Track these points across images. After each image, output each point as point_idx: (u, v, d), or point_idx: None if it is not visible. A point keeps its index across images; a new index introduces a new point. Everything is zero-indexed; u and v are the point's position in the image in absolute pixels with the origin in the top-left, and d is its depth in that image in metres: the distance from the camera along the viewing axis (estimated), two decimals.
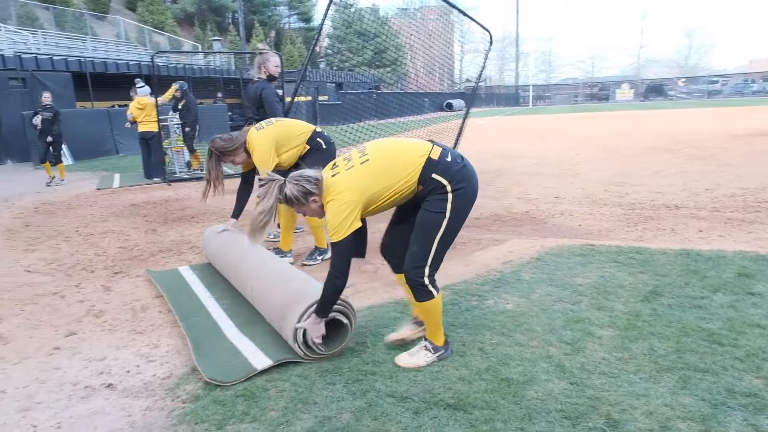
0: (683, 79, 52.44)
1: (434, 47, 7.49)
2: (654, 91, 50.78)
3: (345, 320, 2.73)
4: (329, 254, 3.71)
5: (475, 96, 8.50)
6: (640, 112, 29.60)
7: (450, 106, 34.13)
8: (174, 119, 10.28)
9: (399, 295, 3.54)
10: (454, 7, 6.53)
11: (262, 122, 4.04)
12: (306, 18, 51.82)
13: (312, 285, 2.90)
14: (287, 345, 2.75)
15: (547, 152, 12.17)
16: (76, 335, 3.21)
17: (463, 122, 7.06)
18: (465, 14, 6.86)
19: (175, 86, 10.37)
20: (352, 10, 6.70)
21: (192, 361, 2.74)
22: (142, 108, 9.75)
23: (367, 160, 2.46)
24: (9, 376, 2.72)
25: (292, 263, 4.38)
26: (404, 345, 2.79)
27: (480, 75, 7.55)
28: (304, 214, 2.63)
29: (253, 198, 3.47)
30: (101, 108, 16.43)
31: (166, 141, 10.16)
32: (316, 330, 2.60)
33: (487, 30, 7.00)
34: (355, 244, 2.46)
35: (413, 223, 2.54)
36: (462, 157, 2.53)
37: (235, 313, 3.30)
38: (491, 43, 7.10)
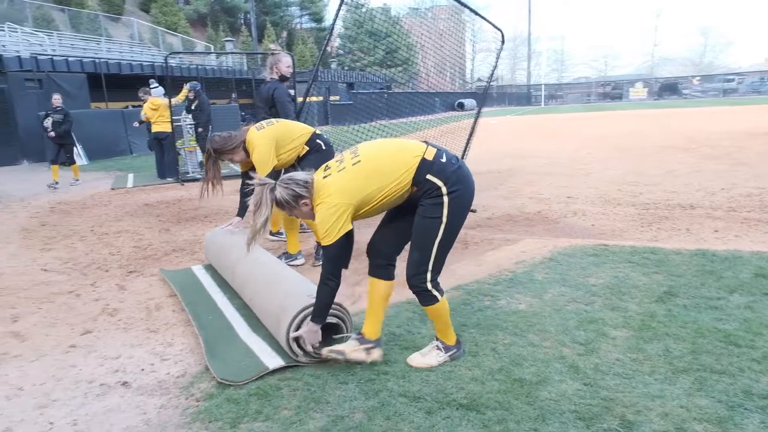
0: (698, 78, 51.75)
1: (445, 47, 7.46)
2: (668, 89, 50.22)
3: (341, 324, 2.73)
4: None
5: (487, 95, 8.45)
6: (654, 111, 29.32)
7: (461, 106, 34.04)
8: (187, 119, 10.37)
9: (411, 294, 3.52)
10: (465, 6, 6.50)
11: (262, 122, 4.03)
12: (317, 18, 51.98)
13: (303, 287, 2.89)
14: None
15: (559, 152, 12.09)
16: (91, 333, 3.25)
17: (475, 122, 7.03)
18: (476, 13, 6.83)
19: (186, 87, 10.46)
20: (364, 10, 6.70)
21: (205, 359, 2.76)
22: (156, 108, 9.83)
23: (359, 161, 2.42)
24: (26, 374, 2.76)
25: (302, 264, 4.39)
26: (415, 346, 2.79)
27: (492, 74, 7.52)
28: (297, 217, 2.59)
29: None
30: (115, 109, 16.63)
31: (179, 141, 10.24)
32: (313, 337, 2.58)
33: (498, 29, 6.96)
34: (346, 248, 2.43)
35: (405, 223, 2.51)
36: (457, 159, 2.49)
37: (247, 313, 3.31)
38: (503, 42, 7.06)
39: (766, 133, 13.53)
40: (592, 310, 3.18)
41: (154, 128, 9.95)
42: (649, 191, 7.04)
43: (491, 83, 7.69)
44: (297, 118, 5.04)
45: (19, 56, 14.86)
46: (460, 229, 2.50)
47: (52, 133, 9.45)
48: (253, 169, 3.99)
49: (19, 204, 8.15)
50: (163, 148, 10.13)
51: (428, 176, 2.38)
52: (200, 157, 10.57)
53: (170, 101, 9.84)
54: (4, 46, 17.96)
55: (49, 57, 16.35)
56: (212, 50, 33.97)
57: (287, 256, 4.41)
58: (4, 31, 19.53)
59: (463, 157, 6.93)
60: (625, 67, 74.01)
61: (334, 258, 2.42)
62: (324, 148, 4.12)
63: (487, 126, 20.93)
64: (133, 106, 14.84)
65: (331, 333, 2.74)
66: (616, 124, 20.09)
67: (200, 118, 10.37)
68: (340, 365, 2.63)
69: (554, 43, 73.50)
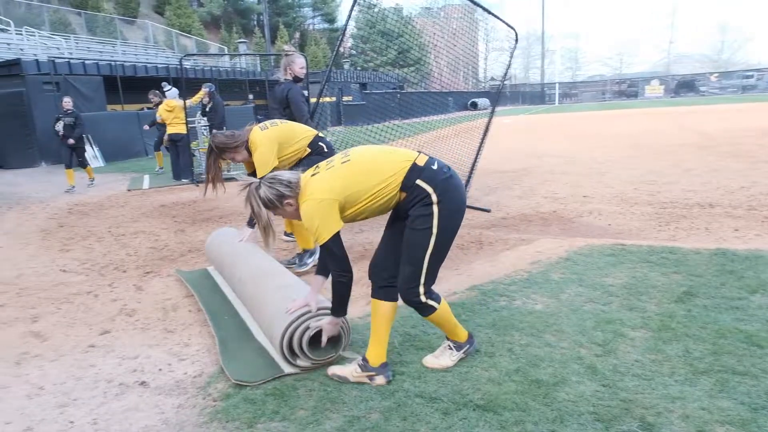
0: (716, 74, 50.92)
1: (458, 46, 7.44)
2: (685, 87, 49.45)
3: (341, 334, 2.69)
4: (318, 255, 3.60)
5: (501, 95, 8.42)
6: (670, 108, 28.96)
7: (475, 105, 33.90)
8: (201, 121, 10.45)
9: None
10: (478, 5, 6.47)
11: (266, 122, 4.03)
12: (330, 19, 52.11)
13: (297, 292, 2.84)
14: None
15: (574, 150, 11.99)
16: (109, 333, 3.29)
17: (489, 121, 7.00)
18: (489, 12, 6.79)
19: (204, 89, 10.53)
20: (376, 10, 6.69)
21: (220, 360, 2.77)
22: (171, 110, 9.91)
23: (349, 160, 2.38)
24: (47, 373, 2.79)
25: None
26: (431, 346, 2.77)
27: (505, 73, 7.48)
28: (283, 217, 2.52)
29: None
30: (131, 111, 16.79)
31: (193, 143, 10.32)
32: (333, 329, 2.56)
33: (512, 28, 6.92)
34: (342, 241, 2.36)
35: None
36: (449, 168, 2.42)
37: None
38: (516, 41, 7.03)
39: None
40: (610, 310, 3.15)
41: (169, 130, 10.03)
42: (666, 190, 6.95)
43: (505, 82, 7.64)
44: (311, 118, 5.06)
45: (36, 60, 15.08)
46: (452, 239, 2.43)
47: (72, 140, 9.35)
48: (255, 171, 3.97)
49: (38, 205, 8.27)
50: (178, 149, 10.21)
51: (418, 181, 2.31)
52: None
53: (185, 103, 9.92)
54: (22, 49, 18.27)
55: (66, 60, 16.55)
56: (226, 52, 34.22)
57: (302, 254, 4.38)
58: (22, 35, 19.87)
59: (477, 157, 6.91)
60: (640, 64, 73.05)
61: (336, 254, 2.34)
62: (326, 150, 4.10)
63: (500, 125, 20.82)
64: (148, 108, 14.93)
65: (330, 341, 2.68)
66: (632, 123, 19.89)
67: (214, 119, 10.44)
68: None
69: (568, 41, 72.83)
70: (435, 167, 2.36)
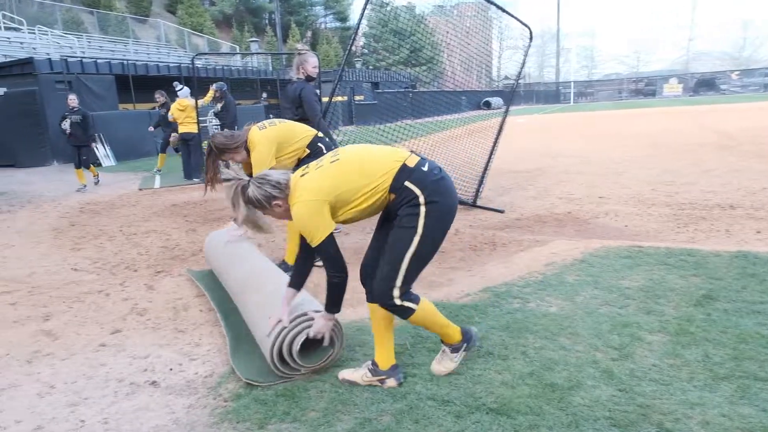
0: (737, 72, 49.94)
1: (471, 44, 7.37)
2: (705, 85, 48.47)
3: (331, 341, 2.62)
4: None
5: (515, 94, 8.32)
6: (689, 107, 28.54)
7: (488, 105, 33.73)
8: (212, 120, 10.46)
9: (438, 296, 3.49)
10: (492, 3, 6.40)
11: (264, 122, 3.98)
12: (342, 18, 52.16)
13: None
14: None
15: (590, 150, 11.86)
16: (120, 333, 3.28)
17: (503, 120, 6.93)
18: (503, 10, 6.73)
19: (213, 88, 10.55)
20: (388, 8, 6.66)
21: (230, 360, 2.76)
22: (183, 109, 9.94)
23: (338, 159, 2.34)
24: (58, 372, 2.79)
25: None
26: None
27: (519, 72, 7.40)
28: (274, 217, 2.44)
29: None
30: (143, 110, 16.89)
31: (205, 142, 10.34)
32: (325, 326, 2.49)
33: (526, 26, 6.85)
34: (336, 241, 2.31)
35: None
36: (440, 169, 2.36)
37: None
38: (531, 39, 6.95)
39: None
40: (626, 313, 3.09)
41: (181, 129, 10.04)
42: (685, 191, 6.83)
43: (519, 81, 7.56)
44: (323, 118, 5.03)
45: (49, 59, 15.18)
46: (438, 244, 2.35)
47: (87, 142, 9.38)
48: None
49: (50, 204, 8.33)
50: (190, 149, 10.23)
51: (406, 183, 2.26)
52: None
53: (197, 102, 9.94)
54: (35, 48, 18.47)
55: (79, 59, 16.66)
56: (237, 51, 34.37)
57: (286, 266, 4.11)
58: (34, 34, 20.11)
59: (490, 157, 6.85)
60: (658, 62, 71.86)
61: (330, 255, 2.29)
62: (325, 151, 4.05)
63: (514, 124, 20.69)
64: (152, 109, 15.01)
65: (320, 344, 2.62)
66: (649, 122, 19.63)
67: (226, 118, 10.46)
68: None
69: (584, 39, 72.05)
70: (425, 168, 2.30)
